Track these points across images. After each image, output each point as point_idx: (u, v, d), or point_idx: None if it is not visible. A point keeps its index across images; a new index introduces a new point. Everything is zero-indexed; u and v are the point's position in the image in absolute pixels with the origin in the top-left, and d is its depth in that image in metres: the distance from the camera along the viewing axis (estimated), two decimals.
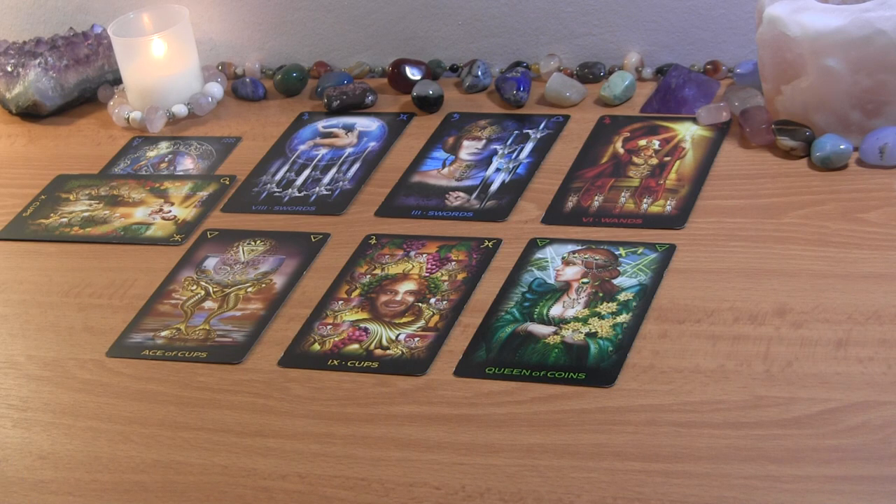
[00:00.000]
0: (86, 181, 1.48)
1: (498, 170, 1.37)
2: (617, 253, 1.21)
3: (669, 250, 1.21)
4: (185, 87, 1.57)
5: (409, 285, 1.22)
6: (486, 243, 1.26)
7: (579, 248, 1.23)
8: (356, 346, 1.16)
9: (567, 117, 1.44)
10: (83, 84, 1.63)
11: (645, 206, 1.28)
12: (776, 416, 1.01)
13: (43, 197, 1.46)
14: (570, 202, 1.30)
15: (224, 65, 1.66)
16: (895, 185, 1.25)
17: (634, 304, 1.14)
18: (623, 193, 1.30)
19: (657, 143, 1.36)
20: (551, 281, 1.19)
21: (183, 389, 1.15)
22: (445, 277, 1.22)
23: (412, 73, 1.54)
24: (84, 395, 1.15)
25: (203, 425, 1.10)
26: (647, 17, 1.50)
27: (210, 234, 1.35)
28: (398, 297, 1.21)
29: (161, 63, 1.56)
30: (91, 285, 1.30)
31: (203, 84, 1.59)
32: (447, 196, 1.35)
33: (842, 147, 1.28)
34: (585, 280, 1.18)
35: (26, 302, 1.29)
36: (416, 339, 1.15)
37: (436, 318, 1.17)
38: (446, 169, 1.39)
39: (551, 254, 1.23)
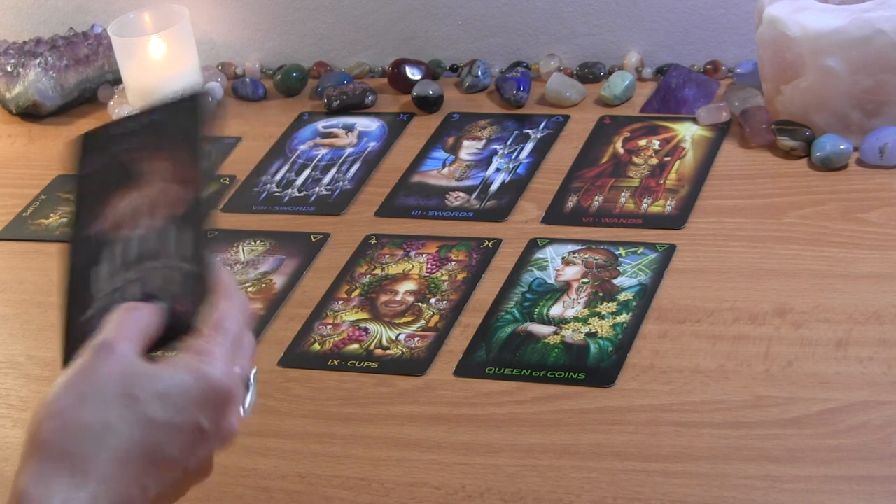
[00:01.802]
0: None
1: (498, 170, 1.37)
2: (617, 253, 1.21)
3: (669, 250, 1.20)
4: (184, 88, 1.57)
5: (409, 285, 1.22)
6: (486, 243, 1.26)
7: (579, 248, 1.23)
8: (356, 346, 1.16)
9: (567, 117, 1.44)
10: (83, 84, 1.63)
11: (645, 206, 1.28)
12: (776, 416, 1.01)
13: (43, 197, 1.46)
14: (570, 202, 1.30)
15: (224, 65, 1.66)
16: (895, 185, 1.25)
17: (634, 304, 1.14)
18: (623, 193, 1.30)
19: (657, 143, 1.36)
20: (551, 281, 1.19)
21: None
22: (445, 277, 1.22)
23: (412, 73, 1.54)
24: None
25: None
26: (647, 17, 1.50)
27: (210, 234, 1.34)
28: (398, 297, 1.21)
29: (161, 63, 1.56)
30: None
31: (203, 84, 1.59)
32: (447, 196, 1.35)
33: (842, 147, 1.28)
34: (585, 280, 1.18)
35: (26, 302, 1.29)
36: (416, 339, 1.15)
37: (436, 318, 1.17)
38: (446, 169, 1.39)
39: (551, 254, 1.23)
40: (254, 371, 0.81)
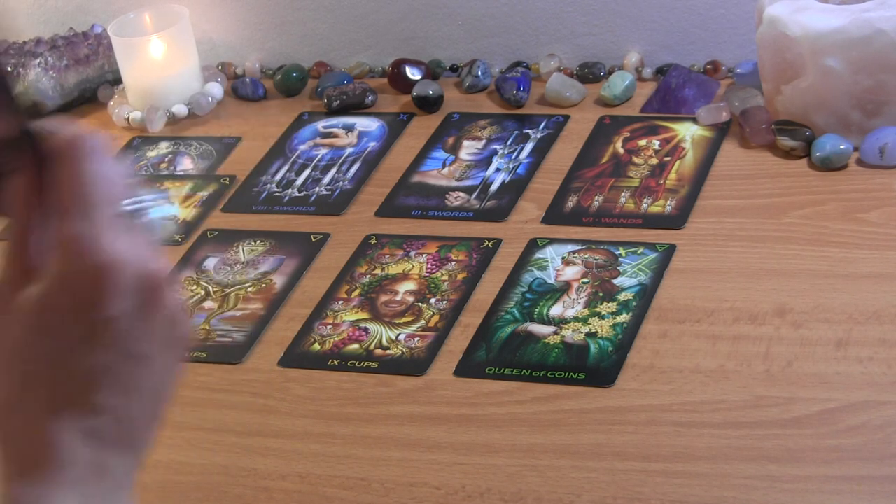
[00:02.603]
0: None
1: (498, 170, 1.37)
2: (617, 253, 1.21)
3: (669, 250, 1.20)
4: (185, 87, 1.57)
5: (409, 285, 1.22)
6: (486, 243, 1.26)
7: (579, 248, 1.23)
8: (356, 346, 1.16)
9: (567, 117, 1.44)
10: (83, 84, 1.63)
11: (645, 206, 1.28)
12: (776, 416, 1.01)
13: None
14: (570, 202, 1.30)
15: (224, 65, 1.66)
16: (895, 185, 1.25)
17: (634, 304, 1.14)
18: (623, 193, 1.30)
19: (657, 143, 1.36)
20: (551, 281, 1.19)
21: (183, 389, 1.14)
22: (445, 277, 1.22)
23: (412, 73, 1.54)
24: None
25: (203, 425, 1.10)
26: (647, 17, 1.50)
27: (210, 234, 1.35)
28: (398, 297, 1.21)
29: (161, 63, 1.56)
30: None
31: (203, 84, 1.59)
32: (447, 196, 1.35)
33: (842, 147, 1.28)
34: (585, 280, 1.18)
35: None
36: (416, 339, 1.15)
37: (436, 318, 1.17)
38: (446, 169, 1.39)
39: (551, 254, 1.23)
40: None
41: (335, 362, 1.14)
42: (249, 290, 1.25)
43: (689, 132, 1.37)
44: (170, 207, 0.68)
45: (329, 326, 1.19)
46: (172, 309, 0.67)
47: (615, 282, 1.17)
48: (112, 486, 0.67)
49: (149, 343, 0.67)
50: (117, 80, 1.62)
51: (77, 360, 0.65)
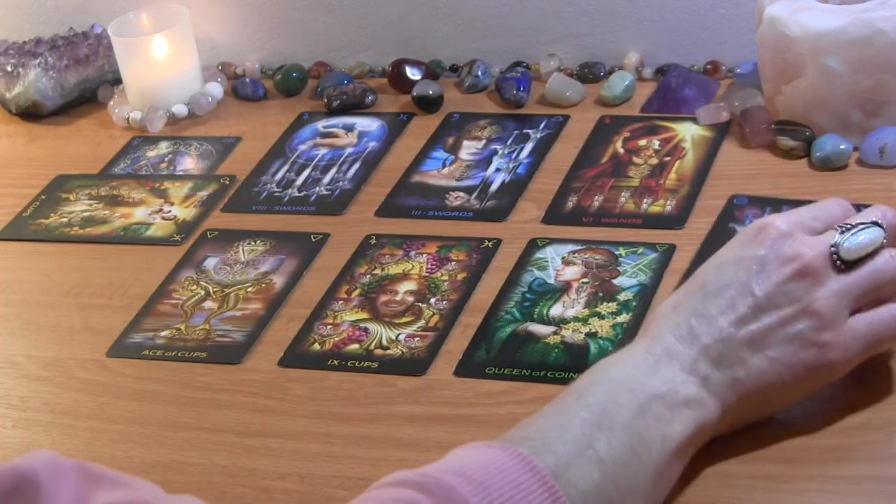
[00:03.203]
0: (86, 181, 1.48)
1: (498, 170, 1.37)
2: (617, 253, 1.21)
3: (669, 250, 1.20)
4: (185, 87, 1.57)
5: (409, 285, 1.22)
6: (486, 243, 1.26)
7: (579, 248, 1.23)
8: (356, 346, 1.16)
9: (567, 117, 1.44)
10: (83, 84, 1.63)
11: (645, 206, 1.28)
12: (777, 415, 1.01)
13: (43, 197, 1.46)
14: (570, 202, 1.30)
15: (224, 65, 1.66)
16: (895, 185, 1.25)
17: (634, 304, 1.14)
18: (623, 193, 1.30)
19: (657, 143, 1.36)
20: (551, 281, 1.19)
21: (183, 389, 1.15)
22: (445, 277, 1.22)
23: (412, 73, 1.54)
24: (84, 395, 1.15)
25: (203, 425, 1.10)
26: (647, 17, 1.50)
27: (210, 234, 1.35)
28: (398, 297, 1.21)
29: (161, 63, 1.56)
30: (91, 285, 1.30)
31: (203, 84, 1.59)
32: (447, 196, 1.35)
33: (842, 147, 1.28)
34: (585, 280, 1.18)
35: (26, 302, 1.29)
36: (416, 339, 1.15)
37: (436, 318, 1.17)
38: (446, 169, 1.39)
39: (551, 254, 1.23)
40: (862, 222, 0.96)
41: (335, 362, 1.14)
42: (249, 290, 1.25)
43: (689, 132, 1.37)
44: (879, 233, 0.97)
45: (329, 326, 1.19)
46: (815, 306, 0.93)
47: (615, 282, 1.18)
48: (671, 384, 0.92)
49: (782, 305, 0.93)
50: (117, 80, 1.62)
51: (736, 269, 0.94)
